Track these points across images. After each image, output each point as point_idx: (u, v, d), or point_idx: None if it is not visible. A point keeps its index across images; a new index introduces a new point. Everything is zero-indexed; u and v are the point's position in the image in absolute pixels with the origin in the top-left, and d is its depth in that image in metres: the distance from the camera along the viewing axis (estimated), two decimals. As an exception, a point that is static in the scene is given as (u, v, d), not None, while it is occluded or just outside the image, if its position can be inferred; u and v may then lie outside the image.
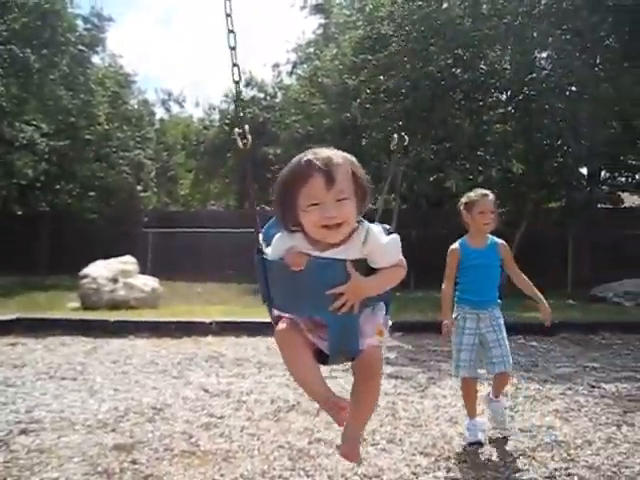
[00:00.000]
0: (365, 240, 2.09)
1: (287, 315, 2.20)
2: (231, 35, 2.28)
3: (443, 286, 3.88)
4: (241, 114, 2.42)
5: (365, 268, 2.13)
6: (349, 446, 2.17)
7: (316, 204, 2.04)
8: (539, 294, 3.96)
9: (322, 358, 2.20)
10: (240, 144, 2.23)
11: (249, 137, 2.23)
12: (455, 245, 3.92)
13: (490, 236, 3.91)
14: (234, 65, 2.31)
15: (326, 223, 2.04)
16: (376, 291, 2.15)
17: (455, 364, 3.81)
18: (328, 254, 2.08)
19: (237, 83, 2.33)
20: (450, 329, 3.79)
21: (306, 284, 2.07)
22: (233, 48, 2.30)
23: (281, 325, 2.19)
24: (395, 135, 2.44)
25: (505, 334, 3.83)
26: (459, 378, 3.86)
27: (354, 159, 2.14)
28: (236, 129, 2.26)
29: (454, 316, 3.85)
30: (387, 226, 2.28)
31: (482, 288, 3.85)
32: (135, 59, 55.45)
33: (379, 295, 2.19)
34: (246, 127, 2.23)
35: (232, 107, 23.08)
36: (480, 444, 3.64)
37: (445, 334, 3.81)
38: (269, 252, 2.21)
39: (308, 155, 2.07)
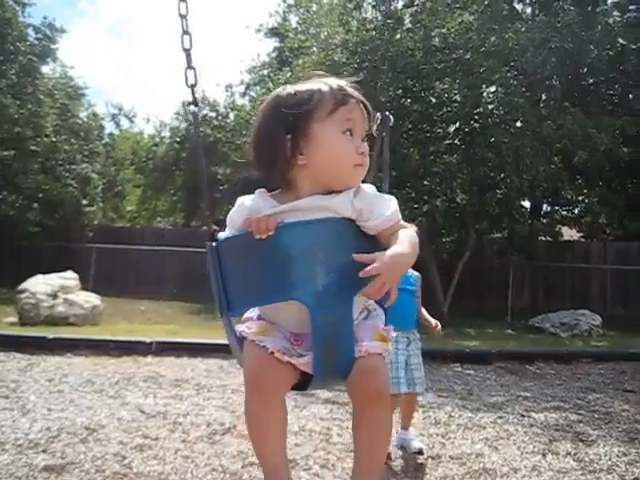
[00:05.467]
0: (357, 192, 1.77)
1: (251, 336, 1.75)
2: (186, 37, 2.00)
3: None
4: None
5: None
6: None
7: (351, 133, 1.76)
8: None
9: (303, 382, 1.78)
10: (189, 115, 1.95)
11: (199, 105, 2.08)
12: None
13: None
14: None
15: (361, 157, 1.76)
16: (412, 258, 1.74)
17: (390, 381, 3.95)
18: (301, 203, 1.73)
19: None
20: None
21: (277, 257, 1.66)
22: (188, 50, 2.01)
23: (250, 363, 1.71)
24: (378, 114, 2.19)
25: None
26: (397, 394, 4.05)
27: None
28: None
29: None
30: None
31: (408, 312, 4.20)
32: (86, 71, 54.74)
33: (377, 296, 1.75)
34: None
35: (183, 125, 23.03)
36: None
37: None
38: (223, 234, 1.87)
39: (337, 81, 1.81)
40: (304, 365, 1.70)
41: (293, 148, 1.72)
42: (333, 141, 1.72)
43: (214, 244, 1.81)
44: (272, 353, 1.68)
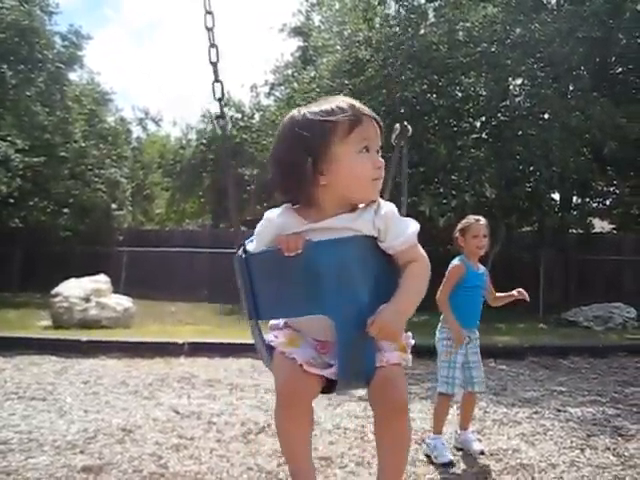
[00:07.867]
0: (378, 209, 1.81)
1: (280, 347, 1.85)
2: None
3: (442, 297, 3.92)
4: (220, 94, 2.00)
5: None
6: None
7: (367, 149, 1.81)
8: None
9: (329, 387, 1.85)
10: (217, 128, 2.04)
11: (226, 118, 2.01)
12: (458, 262, 4.03)
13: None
14: (214, 62, 1.97)
15: (378, 171, 1.82)
16: (412, 309, 1.80)
17: (446, 380, 3.88)
18: (329, 222, 1.79)
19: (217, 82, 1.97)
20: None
21: (305, 274, 1.71)
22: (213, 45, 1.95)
23: (281, 379, 1.79)
24: (397, 125, 2.26)
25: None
26: (444, 394, 3.92)
27: None
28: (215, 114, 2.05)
29: (445, 336, 3.94)
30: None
31: (476, 310, 4.05)
32: (113, 75, 55.28)
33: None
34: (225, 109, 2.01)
35: (209, 127, 23.17)
36: (452, 464, 3.69)
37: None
38: (252, 247, 1.91)
39: (346, 101, 1.85)
40: (331, 374, 1.80)
41: (315, 171, 1.78)
42: (352, 161, 1.78)
43: (243, 256, 1.86)
44: (301, 365, 1.77)
